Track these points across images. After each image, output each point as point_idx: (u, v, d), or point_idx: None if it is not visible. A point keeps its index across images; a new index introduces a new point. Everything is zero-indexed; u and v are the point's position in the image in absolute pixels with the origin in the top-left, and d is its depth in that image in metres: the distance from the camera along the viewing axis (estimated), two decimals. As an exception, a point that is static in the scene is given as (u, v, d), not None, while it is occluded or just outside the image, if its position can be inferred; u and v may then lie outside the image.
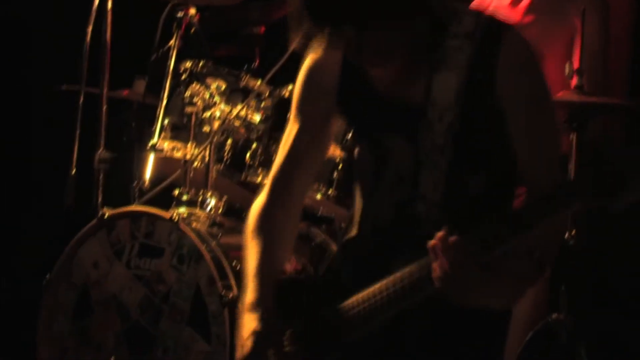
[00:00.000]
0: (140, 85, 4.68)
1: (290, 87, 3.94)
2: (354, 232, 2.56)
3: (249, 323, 2.47)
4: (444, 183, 2.38)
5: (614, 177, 2.06)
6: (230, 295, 3.53)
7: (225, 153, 4.04)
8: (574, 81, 3.48)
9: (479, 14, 2.43)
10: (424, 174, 2.40)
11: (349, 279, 2.46)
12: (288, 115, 2.66)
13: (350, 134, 3.79)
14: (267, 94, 4.04)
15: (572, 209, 2.14)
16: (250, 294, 2.51)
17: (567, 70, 3.48)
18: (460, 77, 2.35)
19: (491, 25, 2.39)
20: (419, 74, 2.40)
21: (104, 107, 4.18)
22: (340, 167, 3.87)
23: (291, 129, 2.62)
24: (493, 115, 2.35)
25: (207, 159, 3.97)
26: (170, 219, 3.71)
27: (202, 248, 3.65)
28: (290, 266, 3.16)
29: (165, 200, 4.00)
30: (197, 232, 3.71)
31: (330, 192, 3.89)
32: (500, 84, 2.34)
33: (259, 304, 2.49)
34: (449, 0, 2.41)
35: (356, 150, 2.63)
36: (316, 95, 2.56)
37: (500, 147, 2.37)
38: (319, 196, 3.90)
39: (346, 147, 3.87)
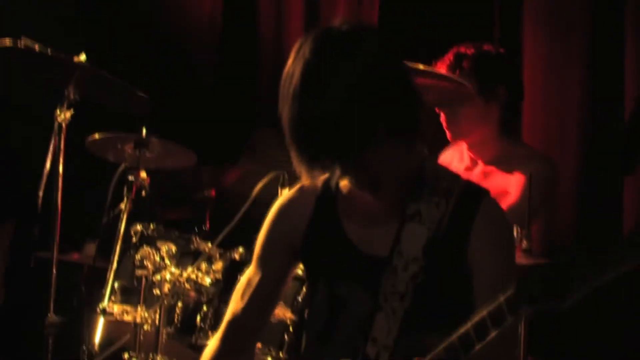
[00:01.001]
0: (91, 249, 4.68)
1: (240, 249, 3.97)
2: None
3: None
4: (398, 329, 2.40)
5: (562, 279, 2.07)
6: None
7: (176, 316, 4.02)
8: (524, 244, 3.55)
9: (458, 177, 2.50)
10: (379, 318, 2.42)
11: None
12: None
13: (300, 296, 3.81)
14: (217, 257, 4.06)
15: (524, 314, 2.13)
16: None
17: (515, 234, 3.53)
18: (430, 232, 2.40)
19: (469, 188, 2.47)
20: (391, 221, 2.44)
21: (54, 271, 4.16)
22: (291, 329, 3.87)
23: (253, 275, 2.63)
24: (459, 275, 2.41)
25: (157, 322, 3.95)
26: (119, 383, 3.68)
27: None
28: None
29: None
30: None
31: (280, 355, 3.88)
32: (472, 247, 2.39)
33: None
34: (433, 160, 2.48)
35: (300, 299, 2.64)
36: (282, 244, 2.59)
37: (461, 305, 2.40)
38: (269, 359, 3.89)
39: (297, 310, 3.87)
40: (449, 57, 4.04)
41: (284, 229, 2.60)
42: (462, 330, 2.19)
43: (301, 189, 2.60)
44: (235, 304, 2.66)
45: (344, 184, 2.49)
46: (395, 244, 2.43)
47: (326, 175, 2.55)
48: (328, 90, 2.27)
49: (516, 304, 2.10)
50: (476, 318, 2.17)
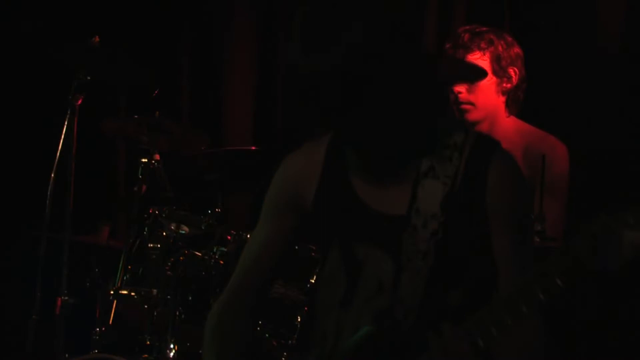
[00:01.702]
0: (104, 231, 4.70)
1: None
2: (329, 344, 2.52)
3: None
4: (423, 289, 2.39)
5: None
6: None
7: (189, 298, 4.03)
8: (535, 226, 3.54)
9: (468, 129, 2.48)
10: (404, 279, 2.40)
11: None
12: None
13: (312, 279, 3.82)
14: (230, 238, 4.06)
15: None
16: None
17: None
18: (447, 187, 2.39)
19: (481, 140, 2.45)
20: (405, 179, 2.43)
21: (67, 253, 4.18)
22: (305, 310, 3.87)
23: (260, 235, 2.60)
24: (477, 227, 2.39)
25: (170, 304, 3.96)
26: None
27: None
28: None
29: (127, 345, 3.97)
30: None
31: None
32: (489, 197, 2.38)
33: None
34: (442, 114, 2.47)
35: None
36: (291, 207, 2.56)
37: (482, 261, 2.39)
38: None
39: (309, 292, 3.88)
40: (464, 37, 4.06)
41: (292, 192, 2.56)
42: (493, 304, 2.20)
43: (308, 150, 2.57)
44: (242, 263, 2.64)
45: (353, 143, 2.46)
46: (412, 201, 2.41)
47: (332, 135, 2.53)
48: (331, 46, 2.23)
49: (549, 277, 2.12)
50: (508, 294, 2.19)
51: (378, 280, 2.44)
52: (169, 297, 3.96)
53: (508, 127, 4.14)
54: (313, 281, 3.85)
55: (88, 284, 4.13)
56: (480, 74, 3.98)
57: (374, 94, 2.26)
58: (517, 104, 4.15)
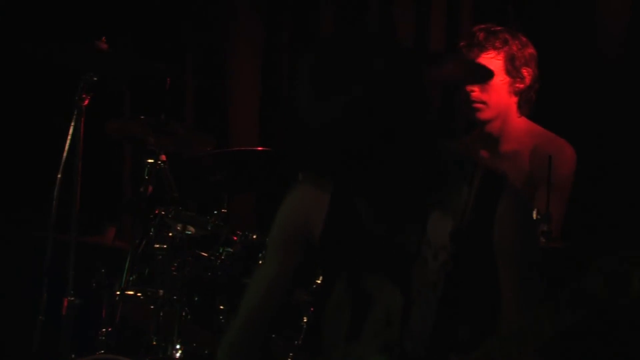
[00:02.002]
0: (110, 232, 4.70)
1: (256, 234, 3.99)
2: None
3: None
4: (433, 322, 2.39)
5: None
6: None
7: (195, 299, 4.03)
8: (543, 226, 3.54)
9: (477, 161, 2.48)
10: (413, 312, 2.40)
11: None
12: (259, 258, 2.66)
13: (320, 279, 3.82)
14: (235, 240, 4.07)
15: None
16: None
17: (534, 216, 3.54)
18: (456, 220, 2.39)
19: (490, 173, 2.44)
20: (414, 211, 2.42)
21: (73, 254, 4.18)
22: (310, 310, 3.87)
23: (268, 269, 2.60)
24: (486, 261, 2.39)
25: (176, 305, 3.97)
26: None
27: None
28: None
29: (133, 346, 3.97)
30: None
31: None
32: (497, 234, 2.38)
33: None
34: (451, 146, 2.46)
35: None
36: (298, 240, 2.55)
37: (491, 295, 2.39)
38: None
39: (313, 292, 3.88)
40: (479, 35, 4.08)
41: (299, 225, 2.55)
42: (501, 338, 2.20)
43: (315, 183, 2.53)
44: (250, 300, 2.63)
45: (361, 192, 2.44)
46: (422, 233, 2.40)
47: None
48: (333, 96, 2.19)
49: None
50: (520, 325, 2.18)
51: (386, 313, 2.44)
52: (174, 297, 3.97)
53: (519, 127, 4.15)
54: (318, 282, 3.85)
55: (94, 285, 4.12)
56: (489, 74, 3.98)
57: (383, 144, 2.23)
58: (530, 104, 4.16)
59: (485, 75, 3.99)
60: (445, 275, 2.38)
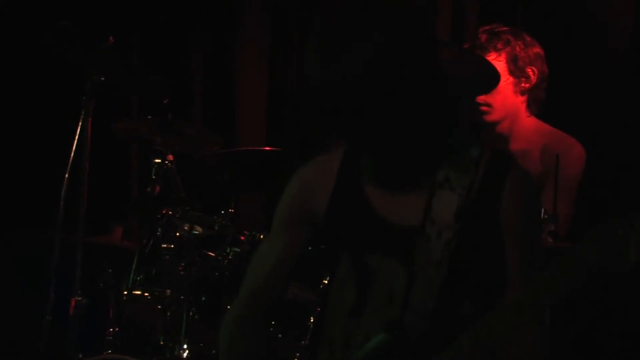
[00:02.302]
0: (117, 231, 4.71)
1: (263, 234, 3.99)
2: (337, 354, 2.51)
3: None
4: (435, 299, 2.39)
5: None
6: None
7: (202, 299, 4.04)
8: (550, 226, 3.54)
9: (484, 143, 2.49)
10: (416, 289, 2.40)
11: None
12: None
13: (326, 279, 3.82)
14: (242, 239, 4.07)
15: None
16: None
17: (542, 216, 3.53)
18: (462, 198, 2.39)
19: (497, 154, 2.46)
20: (420, 189, 2.43)
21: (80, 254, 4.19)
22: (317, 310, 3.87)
23: (272, 245, 2.60)
24: (491, 240, 2.40)
25: (183, 305, 3.97)
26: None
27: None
28: None
29: (140, 346, 3.97)
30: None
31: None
32: (504, 212, 2.39)
33: None
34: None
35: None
36: (303, 218, 2.56)
37: (494, 272, 2.40)
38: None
39: (321, 293, 3.88)
40: (481, 37, 4.07)
41: (305, 203, 2.56)
42: (499, 310, 2.21)
43: (321, 162, 2.57)
44: (254, 272, 2.63)
45: (370, 151, 2.46)
46: (427, 211, 2.41)
47: (347, 146, 2.53)
48: (349, 57, 2.22)
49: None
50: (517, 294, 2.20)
51: (389, 290, 2.44)
52: (182, 297, 3.97)
53: (528, 126, 4.15)
54: (326, 282, 3.85)
55: (101, 285, 4.12)
56: (494, 83, 3.95)
57: (392, 104, 2.26)
58: (538, 103, 4.15)
59: (489, 84, 3.96)
60: (449, 253, 2.38)
